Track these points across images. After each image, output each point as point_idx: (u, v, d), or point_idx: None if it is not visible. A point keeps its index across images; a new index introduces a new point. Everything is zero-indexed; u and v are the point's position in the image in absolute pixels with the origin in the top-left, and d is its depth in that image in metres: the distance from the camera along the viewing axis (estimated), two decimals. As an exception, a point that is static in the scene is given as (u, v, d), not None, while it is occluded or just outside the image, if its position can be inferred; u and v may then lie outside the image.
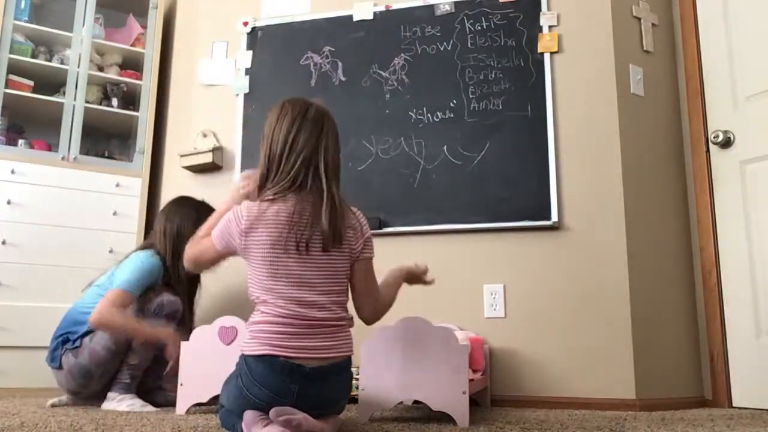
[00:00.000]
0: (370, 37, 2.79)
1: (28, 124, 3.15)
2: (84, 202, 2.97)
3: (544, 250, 2.43)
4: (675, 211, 2.54)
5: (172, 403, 2.12)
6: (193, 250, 1.60)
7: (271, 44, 2.94)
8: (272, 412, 1.33)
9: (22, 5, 3.05)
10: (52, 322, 2.79)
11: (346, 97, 2.76)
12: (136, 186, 3.11)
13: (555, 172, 2.44)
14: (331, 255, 1.49)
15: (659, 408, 2.22)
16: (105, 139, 3.35)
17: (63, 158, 2.99)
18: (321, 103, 1.61)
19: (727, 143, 2.46)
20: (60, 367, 2.13)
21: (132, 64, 3.30)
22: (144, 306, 2.12)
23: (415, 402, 1.82)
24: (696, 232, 2.52)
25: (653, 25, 2.64)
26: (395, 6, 2.78)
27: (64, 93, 3.08)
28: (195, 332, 1.99)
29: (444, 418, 1.78)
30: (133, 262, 2.18)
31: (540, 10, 2.58)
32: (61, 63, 3.11)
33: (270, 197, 1.49)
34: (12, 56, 2.96)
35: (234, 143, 2.89)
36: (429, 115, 2.64)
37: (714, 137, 2.48)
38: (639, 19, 2.60)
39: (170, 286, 2.22)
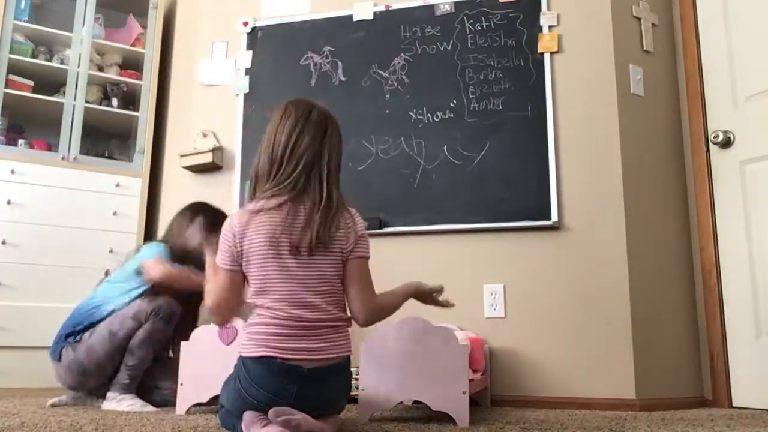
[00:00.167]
0: (370, 37, 2.79)
1: (28, 124, 3.15)
2: (84, 202, 2.97)
3: (544, 250, 2.43)
4: (675, 211, 2.54)
5: (168, 403, 2.13)
6: (211, 297, 1.52)
7: (271, 44, 2.94)
8: (271, 412, 1.32)
9: (22, 5, 3.05)
10: (52, 322, 2.79)
11: (346, 97, 2.76)
12: (136, 186, 3.11)
13: (555, 172, 2.44)
14: (323, 256, 1.47)
15: (659, 408, 2.22)
16: (105, 139, 3.35)
17: (63, 158, 2.99)
18: (324, 105, 1.60)
19: (727, 143, 2.45)
20: (59, 360, 2.15)
21: (132, 64, 3.30)
22: (140, 308, 2.11)
23: (415, 402, 1.82)
24: (696, 232, 2.52)
25: (653, 25, 2.64)
26: (395, 6, 2.78)
27: (64, 93, 3.08)
28: (195, 332, 1.99)
29: (444, 418, 1.78)
30: (151, 248, 2.26)
31: (540, 10, 2.58)
32: (61, 63, 3.11)
33: (265, 198, 1.48)
34: (12, 56, 2.97)
35: (234, 143, 2.89)
36: (429, 115, 2.64)
37: (714, 137, 2.48)
38: (639, 19, 2.60)
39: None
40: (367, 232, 1.57)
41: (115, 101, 3.21)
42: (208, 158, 2.87)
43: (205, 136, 2.94)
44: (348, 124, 2.67)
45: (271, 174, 1.49)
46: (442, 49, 2.68)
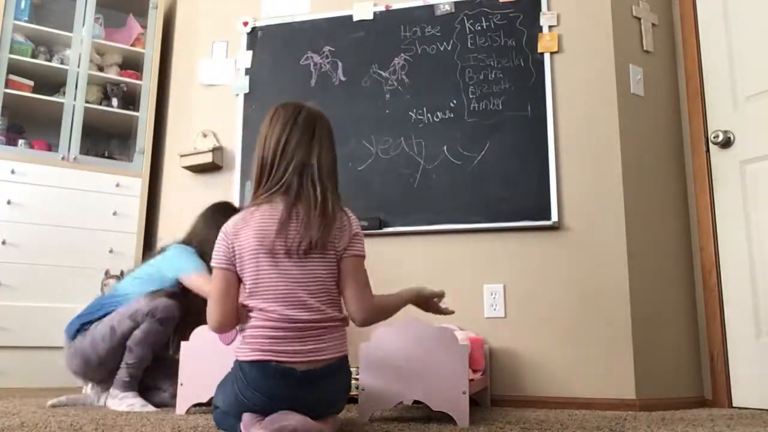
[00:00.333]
0: (370, 37, 2.79)
1: (28, 124, 3.15)
2: (84, 202, 2.97)
3: (544, 250, 2.43)
4: (675, 211, 2.54)
5: (167, 404, 2.13)
6: (211, 317, 1.51)
7: (271, 44, 2.94)
8: (266, 421, 1.34)
9: (22, 5, 3.05)
10: (52, 322, 2.80)
11: (346, 97, 2.76)
12: (136, 186, 3.11)
13: (555, 172, 2.44)
14: (318, 257, 1.46)
15: (659, 408, 2.22)
16: (105, 139, 3.35)
17: (63, 158, 2.99)
18: (314, 106, 1.60)
19: (727, 143, 2.45)
20: (73, 340, 2.17)
21: (132, 64, 3.31)
22: (138, 308, 2.11)
23: (415, 402, 1.82)
24: (696, 232, 2.52)
25: (653, 25, 2.64)
26: (395, 6, 2.78)
27: (64, 93, 3.08)
28: (195, 332, 1.99)
29: (444, 418, 1.78)
30: (179, 249, 2.24)
31: (540, 10, 2.58)
32: (61, 63, 3.12)
33: (260, 201, 1.49)
34: (12, 56, 2.97)
35: (234, 143, 2.89)
36: (429, 115, 2.64)
37: (714, 137, 2.48)
38: (639, 19, 2.60)
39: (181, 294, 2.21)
40: (363, 232, 1.56)
41: (115, 101, 3.22)
42: (208, 158, 2.87)
43: (205, 136, 2.94)
44: (348, 124, 2.70)
45: (263, 177, 1.51)
46: (442, 49, 2.68)
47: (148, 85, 3.24)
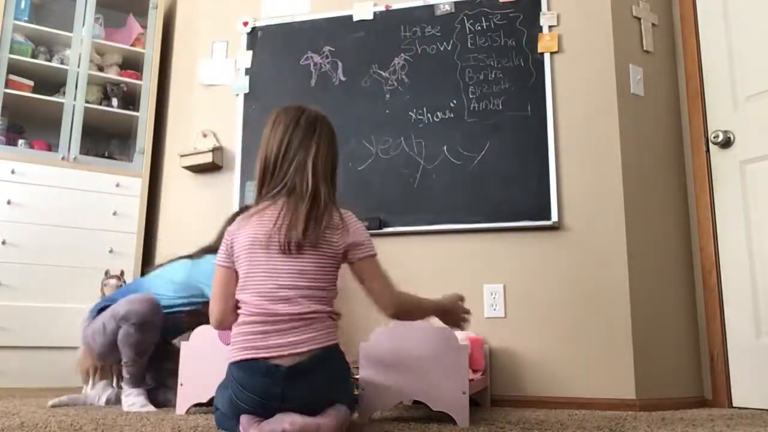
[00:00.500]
0: (370, 37, 2.79)
1: (28, 124, 3.15)
2: (84, 202, 2.97)
3: (544, 250, 2.43)
4: (675, 211, 2.54)
5: (170, 403, 2.13)
6: (213, 316, 1.57)
7: (271, 44, 2.94)
8: (263, 424, 1.35)
9: (22, 5, 3.05)
10: (52, 322, 2.81)
11: (346, 97, 2.76)
12: (136, 186, 3.11)
13: (555, 172, 2.44)
14: (308, 254, 1.48)
15: (659, 408, 2.22)
16: (105, 139, 3.35)
17: (63, 158, 2.99)
18: (316, 109, 1.64)
19: (727, 143, 2.45)
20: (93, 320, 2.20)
21: (132, 64, 3.31)
22: (117, 310, 2.09)
23: (415, 402, 1.82)
24: (696, 232, 2.52)
25: (653, 25, 2.64)
26: (395, 6, 2.78)
27: (64, 93, 3.08)
28: (195, 332, 1.99)
29: (444, 418, 1.78)
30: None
31: (540, 10, 2.58)
32: (61, 63, 3.12)
33: (261, 201, 1.54)
34: (12, 56, 2.97)
35: (234, 143, 2.89)
36: (429, 115, 2.64)
37: (714, 137, 2.48)
38: (639, 19, 2.60)
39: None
40: (363, 230, 1.58)
41: (115, 101, 3.21)
42: (208, 158, 2.87)
43: (205, 136, 2.94)
44: (348, 124, 2.70)
45: (266, 179, 1.55)
46: (442, 49, 2.68)
47: (148, 85, 3.24)
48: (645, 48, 2.59)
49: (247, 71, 2.94)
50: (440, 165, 2.58)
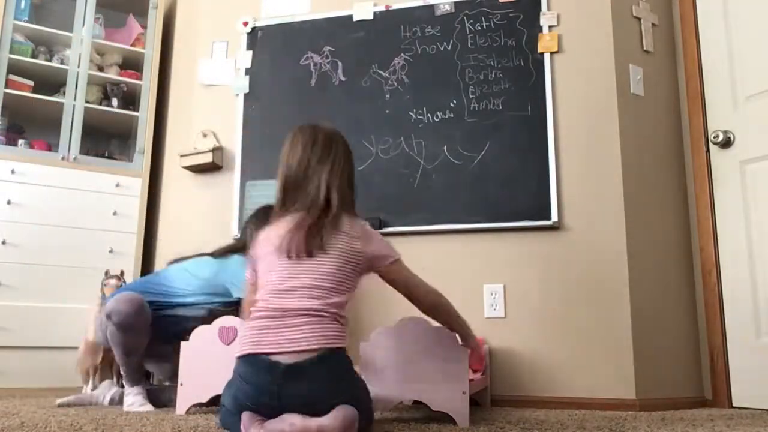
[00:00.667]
0: (370, 37, 2.79)
1: (28, 124, 3.15)
2: (84, 202, 2.97)
3: (544, 250, 2.43)
4: (675, 211, 2.54)
5: (171, 403, 2.13)
6: (244, 313, 1.68)
7: (271, 44, 2.94)
8: (265, 424, 1.35)
9: (22, 5, 3.06)
10: (52, 322, 2.81)
11: (346, 97, 2.76)
12: (136, 186, 3.11)
13: (555, 172, 2.44)
14: (320, 257, 1.54)
15: (659, 408, 2.22)
16: (105, 139, 3.35)
17: (63, 158, 2.99)
18: (331, 126, 1.74)
19: (727, 143, 2.45)
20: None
21: (132, 64, 3.31)
22: (106, 307, 2.09)
23: (415, 402, 1.82)
24: (696, 232, 2.52)
25: (653, 25, 2.64)
26: (395, 6, 2.78)
27: (64, 93, 3.08)
28: (195, 332, 1.99)
29: (444, 418, 1.78)
30: (246, 267, 2.20)
31: (540, 10, 2.58)
32: (61, 63, 3.12)
33: (283, 213, 1.64)
34: (12, 56, 2.97)
35: (234, 143, 2.89)
36: (429, 115, 2.64)
37: (714, 137, 2.48)
38: (639, 19, 2.60)
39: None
40: (382, 239, 1.66)
41: (115, 101, 3.22)
42: (208, 158, 2.87)
43: (205, 136, 2.94)
44: (348, 124, 2.69)
45: (287, 195, 1.65)
46: (442, 49, 2.68)
47: (148, 85, 3.24)
48: (645, 48, 2.59)
49: (247, 71, 2.94)
50: (440, 165, 2.58)
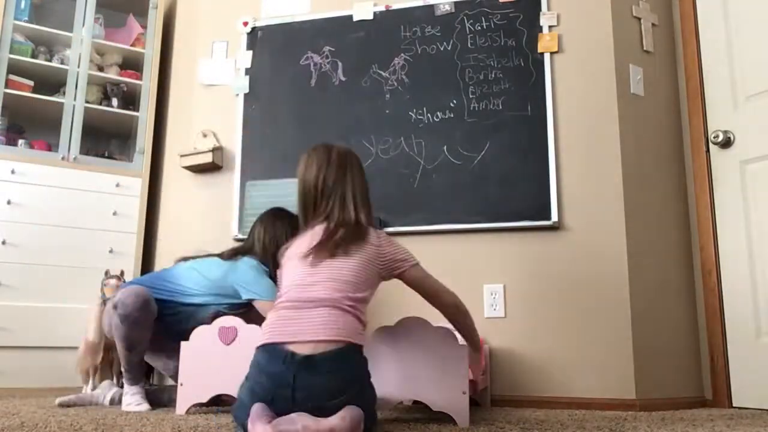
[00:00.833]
0: (370, 37, 2.79)
1: (28, 124, 3.15)
2: (84, 202, 2.97)
3: (544, 250, 2.43)
4: (675, 211, 2.54)
5: (172, 402, 2.13)
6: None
7: (271, 44, 2.94)
8: (274, 422, 1.33)
9: (22, 5, 3.05)
10: (52, 322, 2.81)
11: (346, 97, 2.76)
12: (136, 186, 3.11)
13: (555, 172, 2.44)
14: (340, 259, 1.61)
15: (659, 408, 2.22)
16: (105, 139, 3.35)
17: (63, 158, 2.99)
18: (342, 146, 1.84)
19: (727, 143, 2.46)
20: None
21: (132, 64, 3.31)
22: (116, 296, 2.10)
23: (415, 402, 1.82)
24: (696, 232, 2.52)
25: (653, 25, 2.64)
26: (395, 6, 2.78)
27: (64, 93, 3.08)
28: (195, 332, 1.99)
29: (444, 418, 1.78)
30: (255, 269, 2.20)
31: (540, 10, 2.58)
32: (61, 63, 3.12)
33: (306, 229, 1.72)
34: (12, 56, 2.97)
35: (234, 143, 2.89)
36: (429, 115, 2.64)
37: (714, 137, 2.48)
38: (639, 19, 2.60)
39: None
40: (401, 244, 1.73)
41: (115, 101, 3.21)
42: (208, 158, 2.87)
43: (205, 136, 2.94)
44: (348, 124, 2.70)
45: (308, 211, 1.75)
46: (442, 49, 2.68)
47: (148, 85, 3.24)
48: (645, 48, 2.59)
49: (247, 71, 2.94)
50: (440, 165, 2.58)
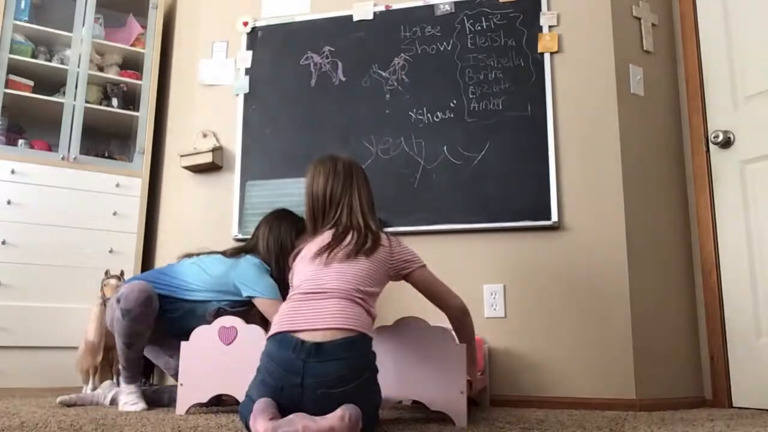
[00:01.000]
0: (370, 37, 2.79)
1: (28, 124, 3.15)
2: (84, 202, 2.98)
3: (544, 250, 2.43)
4: (675, 211, 2.54)
5: (173, 402, 2.13)
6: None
7: (271, 44, 2.94)
8: (276, 422, 1.34)
9: (22, 5, 3.06)
10: (52, 322, 2.81)
11: (346, 97, 2.76)
12: (136, 186, 3.11)
13: (555, 172, 2.44)
14: (351, 261, 1.66)
15: (659, 408, 2.22)
16: (105, 139, 3.36)
17: (63, 158, 2.99)
18: (347, 156, 1.91)
19: (727, 143, 2.45)
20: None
21: (132, 64, 3.31)
22: (120, 290, 2.10)
23: (415, 402, 1.82)
24: (696, 231, 2.52)
25: (653, 25, 2.64)
26: (395, 6, 2.78)
27: (64, 93, 3.08)
28: (195, 332, 1.99)
29: (444, 418, 1.78)
30: (257, 267, 2.20)
31: (540, 10, 2.58)
32: (61, 63, 3.12)
33: (315, 237, 1.78)
34: (12, 56, 2.97)
35: (234, 143, 2.89)
36: (429, 115, 2.64)
37: (714, 137, 2.48)
38: (639, 19, 2.60)
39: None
40: (407, 247, 1.79)
41: (115, 101, 3.22)
42: (208, 158, 2.87)
43: (205, 136, 2.94)
44: (348, 124, 2.70)
45: (317, 220, 1.82)
46: (442, 49, 2.68)
47: (148, 85, 3.24)
48: (645, 48, 2.59)
49: (247, 71, 2.94)
50: (440, 165, 2.58)
